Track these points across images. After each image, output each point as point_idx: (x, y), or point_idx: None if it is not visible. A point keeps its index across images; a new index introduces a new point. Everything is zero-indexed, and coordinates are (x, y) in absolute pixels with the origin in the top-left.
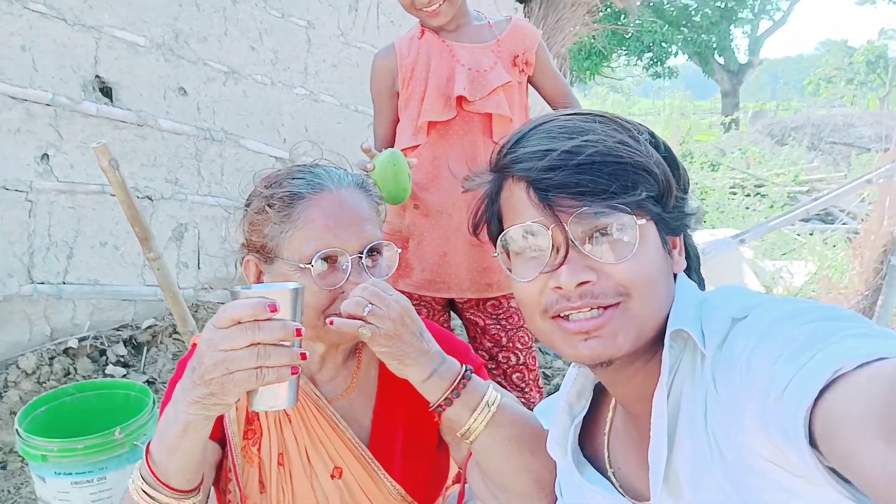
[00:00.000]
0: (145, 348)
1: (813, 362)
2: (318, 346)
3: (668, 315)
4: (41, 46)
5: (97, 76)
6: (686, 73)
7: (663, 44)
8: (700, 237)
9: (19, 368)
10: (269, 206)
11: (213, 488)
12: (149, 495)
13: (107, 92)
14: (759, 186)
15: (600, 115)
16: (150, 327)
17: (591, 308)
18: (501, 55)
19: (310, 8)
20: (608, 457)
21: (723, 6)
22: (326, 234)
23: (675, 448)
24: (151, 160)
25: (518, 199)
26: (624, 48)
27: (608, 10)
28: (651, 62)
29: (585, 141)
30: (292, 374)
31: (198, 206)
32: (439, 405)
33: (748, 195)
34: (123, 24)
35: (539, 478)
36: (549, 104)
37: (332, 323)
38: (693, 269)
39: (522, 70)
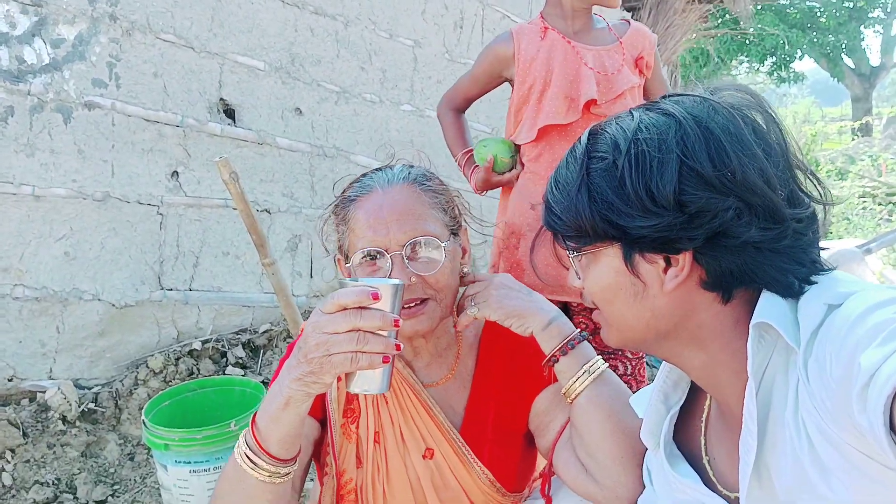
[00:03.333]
0: (261, 351)
1: None
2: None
3: (676, 324)
4: (171, 73)
5: (221, 99)
6: (813, 79)
7: (787, 47)
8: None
9: (148, 368)
10: (335, 211)
11: (314, 463)
12: (251, 460)
13: (230, 113)
14: (892, 195)
15: (578, 143)
16: (266, 331)
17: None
18: (626, 57)
19: (416, 28)
20: (704, 446)
21: (851, 6)
22: (368, 233)
23: (766, 440)
24: (270, 176)
25: None
26: (745, 54)
27: (725, 15)
28: (774, 66)
29: (549, 195)
30: (383, 362)
31: (311, 218)
32: (554, 355)
33: (880, 204)
34: (244, 50)
35: (633, 444)
36: None
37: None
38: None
39: (643, 72)
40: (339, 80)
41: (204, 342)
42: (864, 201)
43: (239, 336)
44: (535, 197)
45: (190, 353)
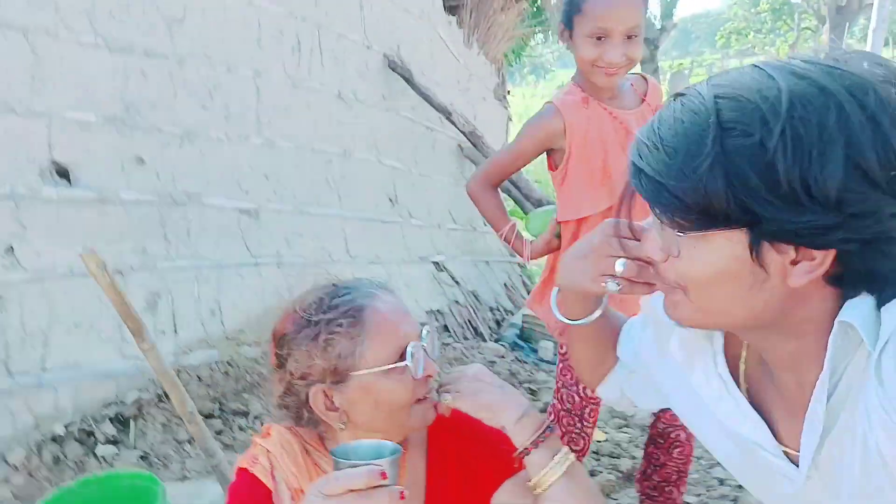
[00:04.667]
0: (132, 422)
1: None
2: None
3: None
4: None
5: (53, 161)
6: None
7: None
8: None
9: (8, 464)
10: (337, 326)
11: None
12: None
13: (64, 174)
14: None
15: (705, 105)
16: (135, 401)
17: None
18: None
19: (254, 57)
20: (744, 383)
21: None
22: (398, 331)
23: (827, 437)
24: (117, 235)
25: None
26: (541, 27)
27: (535, 6)
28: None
29: (650, 152)
30: None
31: (167, 271)
32: (526, 448)
33: None
34: (73, 104)
35: None
36: None
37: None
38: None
39: None
40: (180, 122)
41: (67, 425)
42: None
43: (105, 410)
44: None
45: (53, 438)
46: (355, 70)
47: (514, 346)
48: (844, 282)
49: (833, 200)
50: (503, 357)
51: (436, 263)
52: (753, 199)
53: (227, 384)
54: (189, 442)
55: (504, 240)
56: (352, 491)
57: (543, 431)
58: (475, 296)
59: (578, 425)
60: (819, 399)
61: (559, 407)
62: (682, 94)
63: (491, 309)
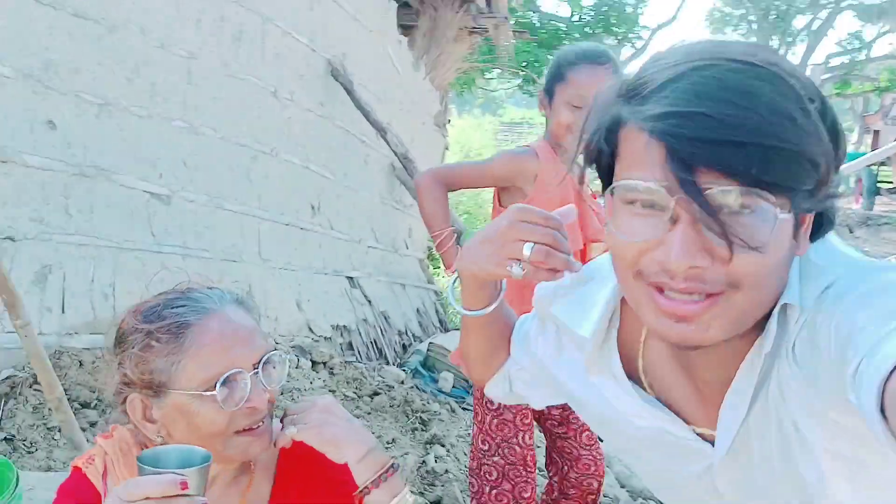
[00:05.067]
0: (3, 401)
1: (894, 334)
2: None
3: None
4: None
5: None
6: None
7: (536, 63)
8: None
9: None
10: (156, 340)
11: None
12: None
13: None
14: None
15: (770, 68)
16: (7, 378)
17: (694, 293)
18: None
19: (191, 38)
20: (643, 371)
21: (591, 32)
22: (223, 357)
23: (750, 415)
24: (15, 198)
25: (645, 152)
26: (491, 64)
27: (487, 42)
28: (525, 80)
29: (747, 111)
30: None
31: (64, 245)
32: (367, 487)
33: None
34: None
35: None
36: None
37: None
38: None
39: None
40: (101, 92)
41: None
42: None
43: None
44: None
45: None
46: (296, 71)
47: (415, 374)
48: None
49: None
50: (402, 383)
51: (350, 279)
52: (830, 164)
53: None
54: (59, 430)
55: (438, 243)
56: (149, 498)
57: (386, 471)
58: (385, 317)
59: (523, 473)
60: (747, 376)
61: (503, 463)
62: (703, 67)
63: (399, 332)
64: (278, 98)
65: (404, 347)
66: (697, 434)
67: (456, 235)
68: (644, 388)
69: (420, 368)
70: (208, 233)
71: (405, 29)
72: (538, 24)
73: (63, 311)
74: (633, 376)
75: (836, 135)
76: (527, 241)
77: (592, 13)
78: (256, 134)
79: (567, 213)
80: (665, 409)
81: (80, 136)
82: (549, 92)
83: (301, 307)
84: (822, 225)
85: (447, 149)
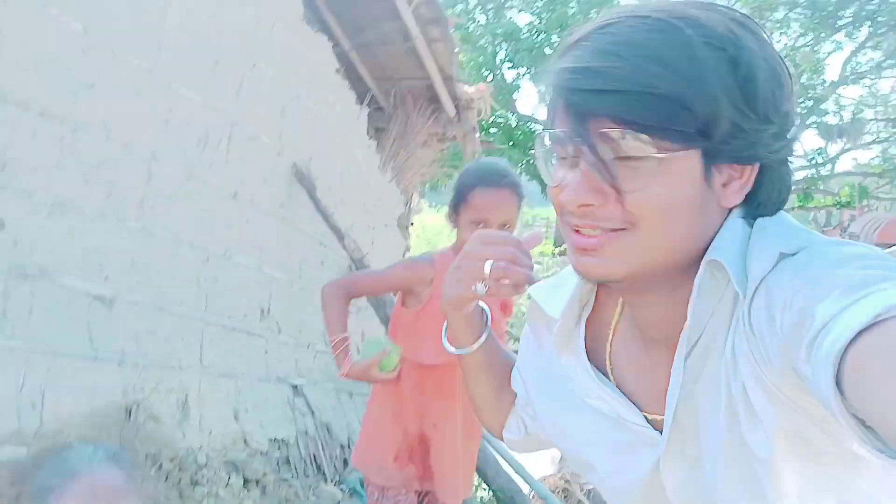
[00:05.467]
0: None
1: (856, 305)
2: None
3: (705, 247)
4: None
5: None
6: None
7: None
8: None
9: None
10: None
11: None
12: None
13: None
14: None
15: (671, 20)
16: None
17: (595, 228)
18: (495, 302)
19: (156, 139)
20: (609, 357)
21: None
22: None
23: (698, 382)
24: None
25: (559, 108)
26: (456, 169)
27: (455, 148)
28: None
29: (626, 61)
30: None
31: None
32: None
33: None
34: None
35: None
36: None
37: None
38: (772, 204)
39: (505, 312)
40: (56, 192)
41: None
42: None
43: None
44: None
45: None
46: (260, 173)
47: (352, 493)
48: (750, 203)
49: (782, 114)
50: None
51: (294, 387)
52: (735, 111)
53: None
54: None
55: (333, 346)
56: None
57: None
58: (328, 428)
59: None
60: (681, 344)
61: None
62: (607, 25)
63: (342, 446)
64: (238, 200)
65: (345, 462)
66: (649, 422)
67: (347, 342)
68: (607, 376)
69: (358, 489)
70: (148, 337)
71: (376, 131)
72: (513, 125)
73: None
74: (600, 365)
75: (747, 83)
76: (487, 260)
77: None
78: (211, 235)
79: (531, 239)
80: (618, 392)
81: (28, 236)
82: (455, 209)
83: (238, 418)
84: (771, 195)
85: (408, 250)
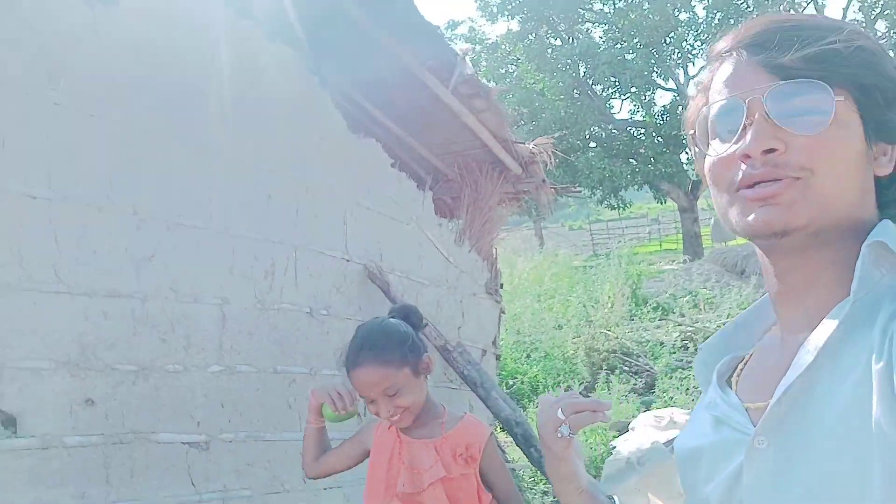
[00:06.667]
0: None
1: None
2: None
3: (865, 218)
4: None
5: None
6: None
7: (612, 178)
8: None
9: None
10: None
11: None
12: None
13: (10, 422)
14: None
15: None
16: None
17: (774, 179)
18: (443, 451)
19: (224, 285)
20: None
21: (672, 133)
22: None
23: (817, 382)
24: (58, 480)
25: (719, 80)
26: (577, 185)
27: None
28: (604, 195)
29: (812, 23)
30: None
31: None
32: None
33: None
34: (27, 354)
35: None
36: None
37: None
38: None
39: (468, 462)
40: (136, 359)
41: None
42: (686, 344)
43: None
44: None
45: None
46: (332, 284)
47: None
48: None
49: None
50: None
51: None
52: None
53: None
54: None
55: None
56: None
57: None
58: None
59: None
60: (834, 312)
61: None
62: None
63: None
64: (314, 316)
65: None
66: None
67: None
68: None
69: None
70: (248, 469)
71: (452, 200)
72: (610, 136)
73: None
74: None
75: None
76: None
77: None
78: (293, 357)
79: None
80: (733, 395)
81: (117, 406)
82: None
83: None
84: None
85: (503, 313)
